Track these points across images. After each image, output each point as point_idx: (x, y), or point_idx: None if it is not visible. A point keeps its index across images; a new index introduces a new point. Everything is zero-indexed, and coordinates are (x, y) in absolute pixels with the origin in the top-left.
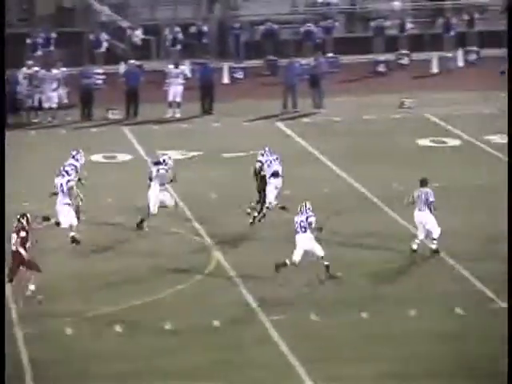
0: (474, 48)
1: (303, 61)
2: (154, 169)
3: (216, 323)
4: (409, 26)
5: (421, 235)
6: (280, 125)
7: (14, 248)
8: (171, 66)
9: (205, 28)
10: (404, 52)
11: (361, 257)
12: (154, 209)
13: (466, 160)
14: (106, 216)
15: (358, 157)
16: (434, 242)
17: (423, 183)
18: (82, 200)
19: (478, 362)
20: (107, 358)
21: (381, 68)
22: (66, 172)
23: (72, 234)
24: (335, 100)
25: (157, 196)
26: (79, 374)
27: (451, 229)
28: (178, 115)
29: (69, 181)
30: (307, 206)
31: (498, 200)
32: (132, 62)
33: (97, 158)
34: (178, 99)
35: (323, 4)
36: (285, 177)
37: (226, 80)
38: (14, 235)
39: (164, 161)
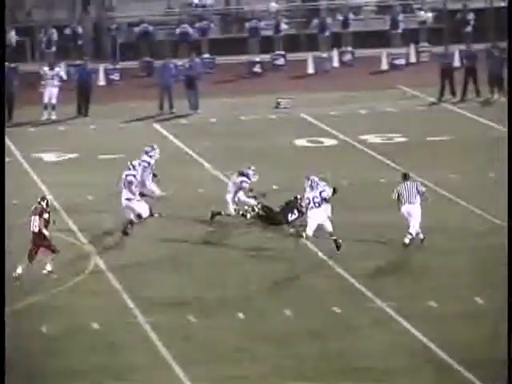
0: (349, 48)
1: (179, 62)
2: (237, 178)
3: (95, 326)
4: (284, 26)
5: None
6: (157, 126)
7: (35, 229)
8: (46, 68)
9: (80, 29)
10: (279, 53)
11: (238, 257)
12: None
13: (342, 159)
14: None
15: (234, 158)
16: (409, 236)
17: (406, 177)
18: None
19: (356, 360)
20: None
21: (256, 69)
22: (133, 167)
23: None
24: (211, 101)
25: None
26: None
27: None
28: (53, 117)
29: (127, 175)
30: (316, 181)
31: (374, 198)
32: (6, 64)
33: None
34: (54, 101)
35: (198, 5)
36: (162, 178)
37: (101, 82)
38: (36, 217)
39: (247, 174)
